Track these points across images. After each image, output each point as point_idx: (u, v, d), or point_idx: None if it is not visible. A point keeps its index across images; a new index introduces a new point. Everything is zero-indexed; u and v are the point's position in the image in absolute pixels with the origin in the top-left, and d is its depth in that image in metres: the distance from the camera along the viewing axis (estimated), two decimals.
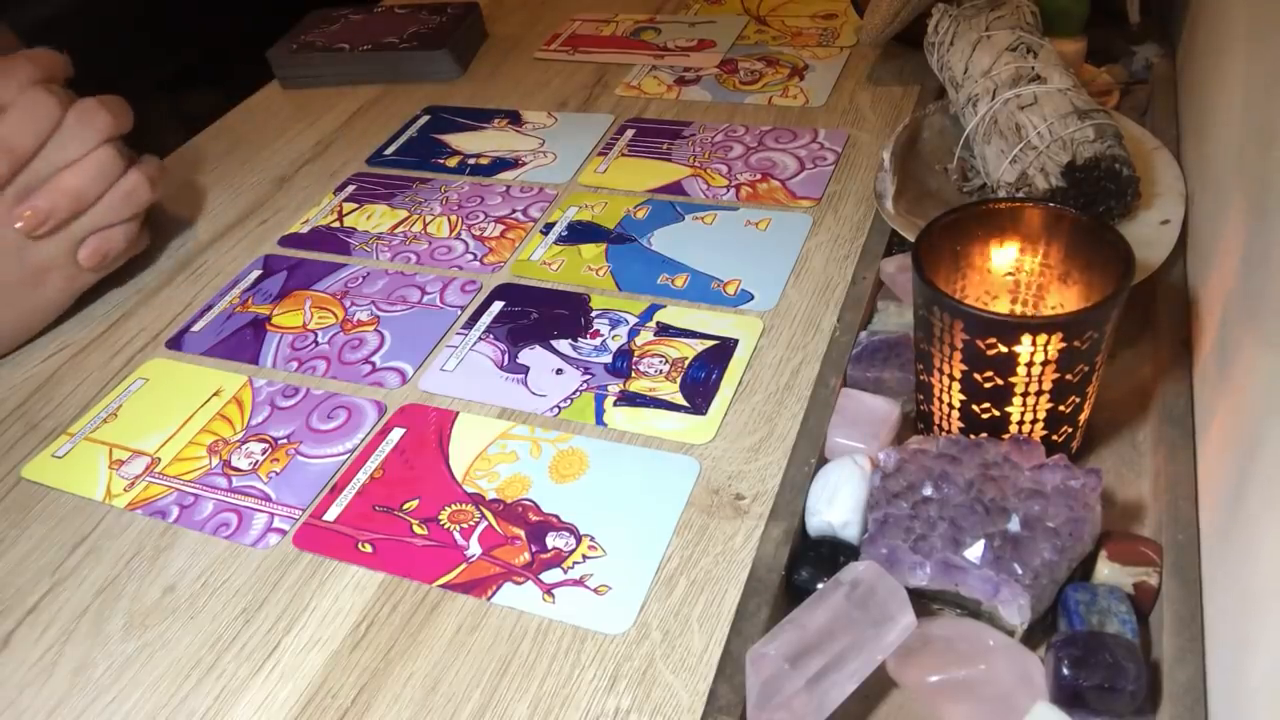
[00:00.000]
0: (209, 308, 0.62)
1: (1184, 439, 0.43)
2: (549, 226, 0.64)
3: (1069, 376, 0.40)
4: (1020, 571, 0.36)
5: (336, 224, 0.68)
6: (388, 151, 0.75)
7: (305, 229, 0.68)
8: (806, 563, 0.40)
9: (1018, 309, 0.45)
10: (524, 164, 0.71)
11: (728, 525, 0.44)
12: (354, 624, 0.42)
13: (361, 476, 0.48)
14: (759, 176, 0.66)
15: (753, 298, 0.56)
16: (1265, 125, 0.43)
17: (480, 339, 0.56)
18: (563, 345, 0.55)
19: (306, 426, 0.52)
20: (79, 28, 1.07)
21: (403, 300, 0.60)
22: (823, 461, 0.44)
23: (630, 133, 0.72)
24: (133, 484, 0.50)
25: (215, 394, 0.55)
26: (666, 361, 0.53)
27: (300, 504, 0.48)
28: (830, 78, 0.76)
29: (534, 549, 0.44)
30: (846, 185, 0.64)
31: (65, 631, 0.43)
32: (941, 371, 0.41)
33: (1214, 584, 0.36)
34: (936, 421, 0.44)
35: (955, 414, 0.42)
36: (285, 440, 0.51)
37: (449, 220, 0.66)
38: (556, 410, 0.51)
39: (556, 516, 0.45)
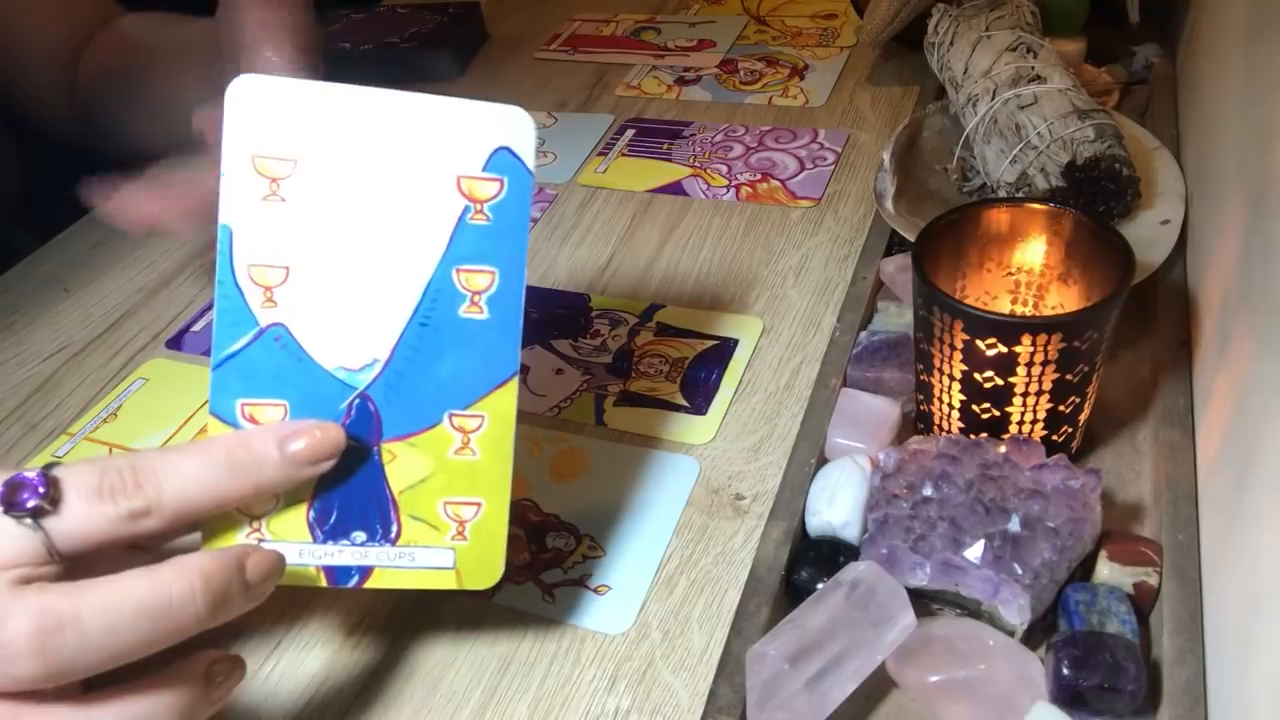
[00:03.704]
0: (209, 307, 0.61)
1: (1184, 439, 0.43)
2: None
3: (1069, 376, 0.40)
4: (1020, 571, 0.36)
5: None
6: None
7: None
8: (806, 563, 0.40)
9: (1018, 309, 0.45)
10: None
11: (728, 525, 0.44)
12: (354, 623, 0.42)
13: None
14: (759, 176, 0.66)
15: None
16: (1265, 125, 0.43)
17: None
18: (563, 345, 0.55)
19: None
20: None
21: None
22: (823, 461, 0.44)
23: (630, 133, 0.72)
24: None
25: None
26: (666, 361, 0.53)
27: None
28: (830, 78, 0.76)
29: (534, 549, 0.44)
30: (846, 185, 0.64)
31: None
32: (941, 371, 0.41)
33: (1214, 584, 0.36)
34: (936, 421, 0.44)
35: (955, 414, 0.42)
36: None
37: None
38: (557, 410, 0.51)
39: (556, 516, 0.45)
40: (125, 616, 0.30)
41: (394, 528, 0.37)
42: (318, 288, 0.36)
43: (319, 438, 0.35)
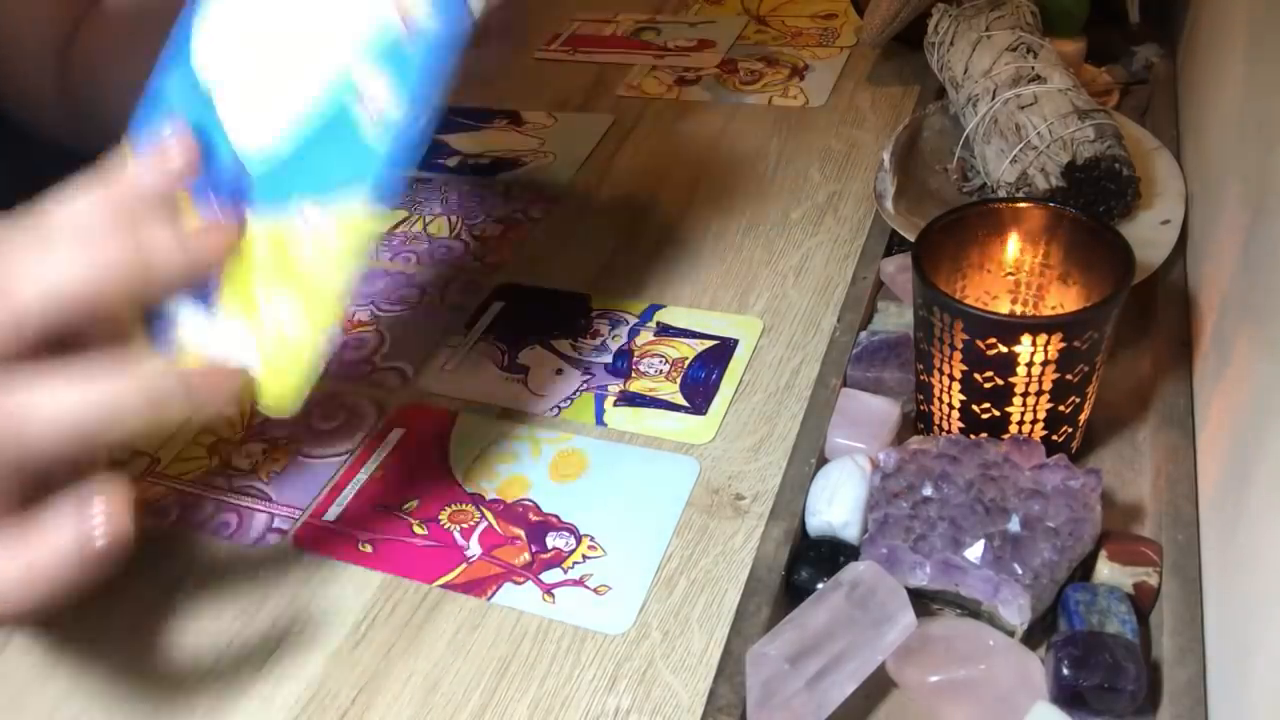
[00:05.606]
0: None
1: (1184, 439, 0.43)
2: None
3: (1069, 376, 0.40)
4: (1020, 571, 0.36)
5: None
6: None
7: None
8: (806, 563, 0.40)
9: (1018, 309, 0.45)
10: (524, 164, 0.71)
11: (728, 525, 0.44)
12: (354, 624, 0.42)
13: (362, 476, 0.48)
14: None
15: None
16: (1265, 126, 0.43)
17: (480, 339, 0.56)
18: (563, 345, 0.55)
19: (307, 426, 0.52)
20: None
21: (403, 300, 0.60)
22: (823, 461, 0.44)
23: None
24: (133, 484, 0.50)
25: None
26: (666, 361, 0.53)
27: (300, 504, 0.48)
28: (830, 78, 0.76)
29: (534, 549, 0.44)
30: (847, 185, 0.64)
31: (66, 632, 0.43)
32: (941, 371, 0.41)
33: (1214, 584, 0.36)
34: (936, 421, 0.44)
35: (955, 414, 0.42)
36: (285, 440, 0.51)
37: (449, 220, 0.66)
38: (556, 410, 0.51)
39: (556, 516, 0.45)
40: None
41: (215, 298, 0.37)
42: (243, 52, 0.38)
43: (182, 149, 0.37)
